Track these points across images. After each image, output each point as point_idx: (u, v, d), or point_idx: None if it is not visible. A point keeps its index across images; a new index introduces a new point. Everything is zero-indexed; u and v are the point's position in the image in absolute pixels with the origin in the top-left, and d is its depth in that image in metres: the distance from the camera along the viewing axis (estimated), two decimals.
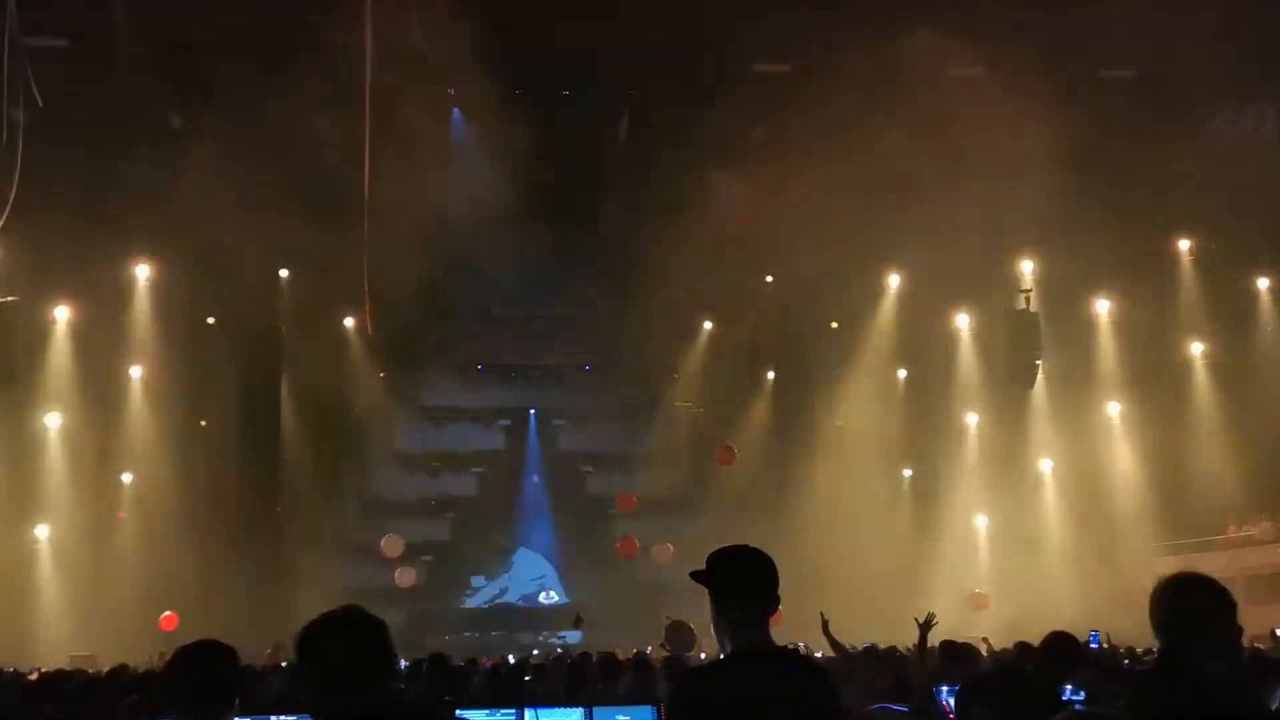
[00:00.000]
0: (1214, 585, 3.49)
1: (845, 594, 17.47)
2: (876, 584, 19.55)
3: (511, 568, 23.53)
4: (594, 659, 8.92)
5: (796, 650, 3.47)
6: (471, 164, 21.56)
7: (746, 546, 3.45)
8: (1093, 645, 12.95)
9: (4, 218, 15.93)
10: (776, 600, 3.37)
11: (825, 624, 8.74)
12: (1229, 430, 20.39)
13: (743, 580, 3.37)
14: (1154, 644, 3.83)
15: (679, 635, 9.76)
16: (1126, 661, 9.95)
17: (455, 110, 21.86)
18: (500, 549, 23.59)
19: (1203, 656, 3.43)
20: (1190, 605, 3.48)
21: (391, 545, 20.41)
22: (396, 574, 20.30)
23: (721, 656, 3.38)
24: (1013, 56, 18.39)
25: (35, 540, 19.35)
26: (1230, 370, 20.92)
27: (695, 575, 3.41)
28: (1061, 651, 4.88)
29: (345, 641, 2.95)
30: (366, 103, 15.93)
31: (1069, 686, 5.71)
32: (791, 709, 3.22)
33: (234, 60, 18.72)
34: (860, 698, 6.37)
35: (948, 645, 7.61)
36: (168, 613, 14.78)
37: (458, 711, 5.39)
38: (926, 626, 7.52)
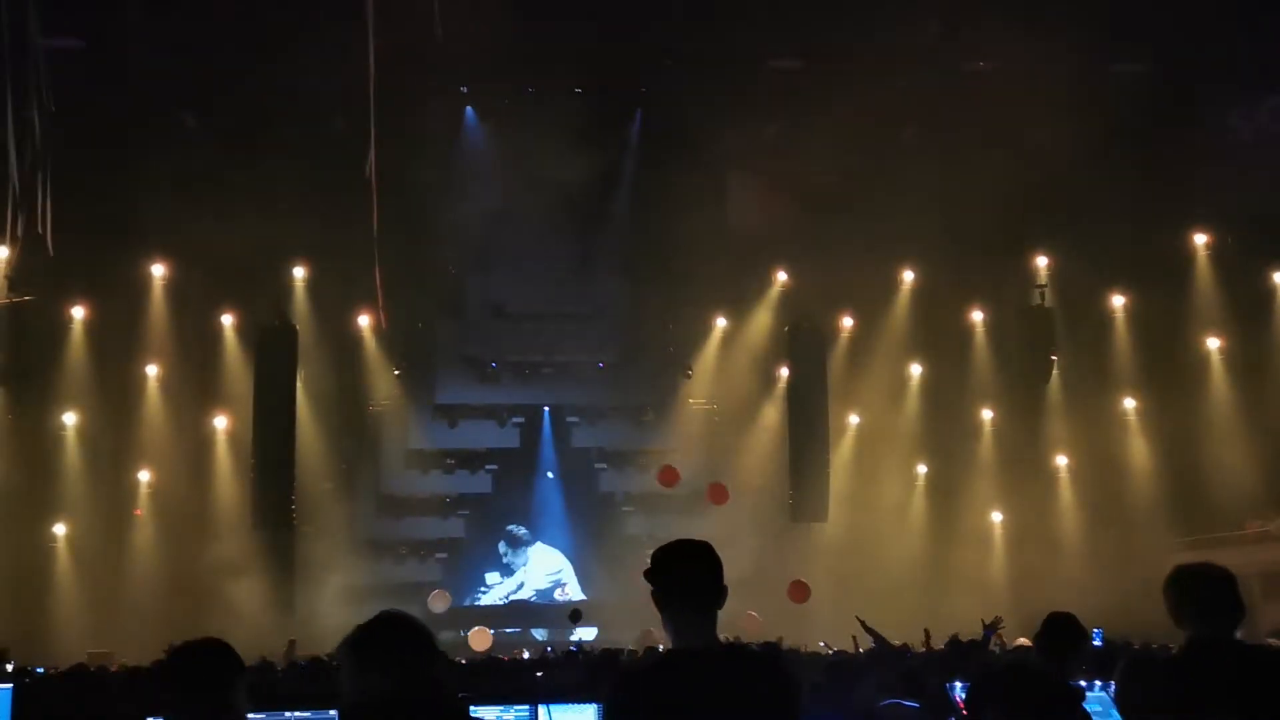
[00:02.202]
0: (1219, 571, 3.90)
1: (864, 590, 17.45)
2: (894, 580, 19.50)
3: (528, 562, 23.53)
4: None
5: (742, 647, 3.42)
6: (484, 162, 21.59)
7: (690, 541, 3.37)
8: (1096, 644, 12.91)
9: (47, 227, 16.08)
10: (722, 594, 3.30)
11: (864, 624, 8.79)
12: (1246, 425, 20.26)
13: (689, 579, 3.29)
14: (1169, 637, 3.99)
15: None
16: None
17: (468, 109, 21.89)
18: (516, 545, 23.57)
19: (1227, 632, 3.68)
20: (1207, 592, 3.72)
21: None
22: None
23: (659, 653, 3.30)
24: (1027, 49, 18.30)
25: (52, 538, 19.47)
26: (1247, 365, 20.80)
27: (647, 575, 3.35)
28: (1062, 633, 4.83)
29: (402, 643, 3.15)
30: (371, 100, 15.96)
31: (1096, 682, 5.70)
32: (730, 705, 3.14)
33: (247, 59, 18.80)
34: (872, 693, 6.35)
35: (958, 641, 7.62)
36: None
37: (472, 708, 5.38)
38: (993, 628, 7.54)
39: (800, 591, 18.35)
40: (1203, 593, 3.85)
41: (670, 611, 3.28)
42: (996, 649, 9.81)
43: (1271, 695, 3.62)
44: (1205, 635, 3.79)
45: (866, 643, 9.15)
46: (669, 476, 20.36)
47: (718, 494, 19.27)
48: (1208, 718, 3.60)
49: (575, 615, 15.41)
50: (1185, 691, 3.65)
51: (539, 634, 22.48)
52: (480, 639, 19.68)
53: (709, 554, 3.32)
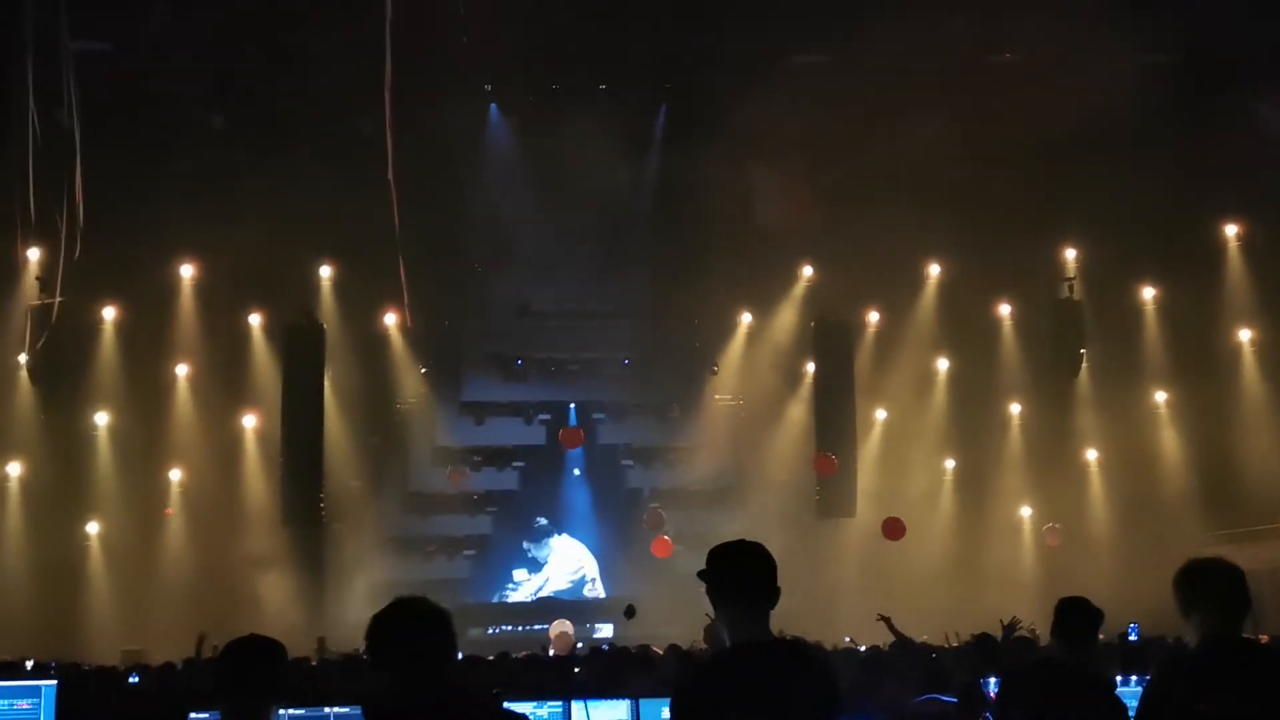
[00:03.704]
0: (1231, 566, 3.90)
1: (893, 586, 17.40)
2: (923, 576, 19.42)
3: (551, 553, 23.54)
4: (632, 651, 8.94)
5: (794, 641, 3.55)
6: (509, 159, 21.64)
7: (744, 541, 3.52)
8: (1131, 638, 12.80)
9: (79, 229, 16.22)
10: (775, 593, 3.44)
11: (889, 622, 8.82)
12: (1279, 417, 20.06)
13: (739, 576, 3.44)
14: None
15: (717, 636, 9.72)
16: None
17: (493, 106, 21.95)
18: (537, 536, 23.60)
19: (1240, 628, 3.70)
20: (1224, 588, 3.74)
21: (561, 637, 20.05)
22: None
23: (721, 649, 3.48)
24: (1054, 39, 18.17)
25: (85, 537, 19.67)
26: None
27: (701, 573, 3.49)
28: (1078, 618, 4.76)
29: (407, 630, 3.10)
30: (387, 98, 16.03)
31: (1131, 676, 5.66)
32: (791, 697, 3.29)
33: (272, 59, 18.92)
34: (898, 690, 6.35)
35: (984, 638, 7.59)
36: None
37: (505, 704, 5.41)
38: (1011, 629, 7.54)
39: (895, 529, 17.91)
40: (1220, 588, 3.84)
41: (723, 607, 3.45)
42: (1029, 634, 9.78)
43: None
44: (1222, 631, 3.78)
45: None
46: (571, 438, 20.29)
47: (894, 530, 18.72)
48: (1229, 713, 3.58)
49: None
50: (1208, 689, 3.63)
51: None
52: (561, 632, 19.59)
53: (761, 553, 3.47)
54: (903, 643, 8.64)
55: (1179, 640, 11.49)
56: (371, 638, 3.22)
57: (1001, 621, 7.63)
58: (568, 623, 17.13)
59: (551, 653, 13.41)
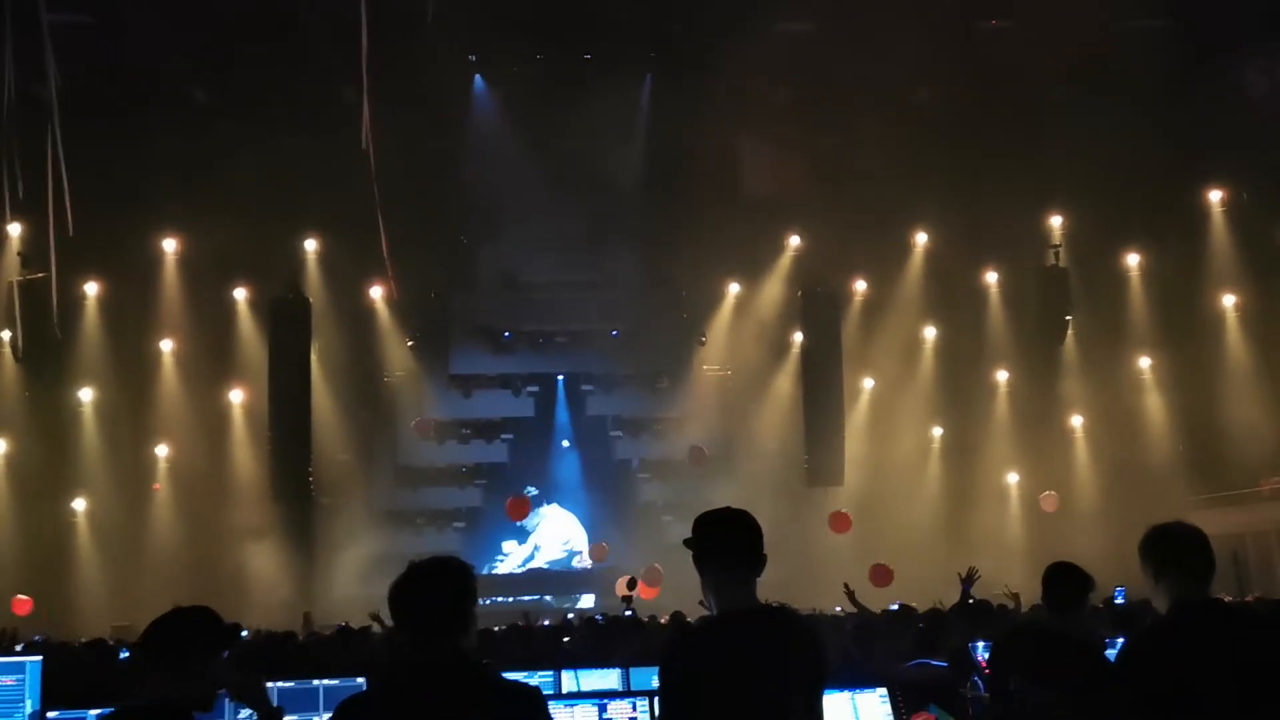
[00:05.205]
0: (1196, 530, 3.92)
1: (881, 552, 17.46)
2: (911, 542, 19.52)
3: (541, 521, 23.57)
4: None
5: (782, 608, 3.55)
6: (494, 130, 21.50)
7: (729, 509, 3.51)
8: (1118, 601, 12.88)
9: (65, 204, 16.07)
10: (761, 560, 3.43)
11: (851, 594, 8.93)
12: (1263, 383, 20.17)
13: (724, 543, 3.43)
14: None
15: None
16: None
17: (477, 77, 21.78)
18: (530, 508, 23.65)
19: (1208, 592, 3.81)
20: (1194, 553, 3.72)
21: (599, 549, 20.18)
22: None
23: (708, 616, 3.46)
24: (1041, 7, 18.09)
25: (73, 514, 19.62)
26: (1263, 322, 20.66)
27: (687, 541, 3.48)
28: (1066, 584, 4.77)
29: (412, 594, 3.04)
30: (363, 65, 15.86)
31: (1119, 639, 5.69)
32: (777, 663, 3.31)
33: (255, 33, 18.72)
34: (888, 655, 6.39)
35: (975, 603, 7.64)
36: (21, 596, 15.59)
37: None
38: (969, 581, 7.59)
39: (841, 522, 18.00)
40: (1186, 552, 3.84)
41: (710, 574, 3.43)
42: (1010, 604, 9.86)
43: (1266, 653, 3.61)
44: (1195, 595, 3.79)
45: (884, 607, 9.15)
46: (517, 509, 20.23)
47: (840, 523, 18.98)
48: (1208, 678, 3.58)
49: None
50: (1182, 654, 3.63)
51: (554, 601, 22.60)
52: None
53: (747, 520, 3.46)
54: (861, 612, 8.74)
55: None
56: (389, 599, 3.17)
57: (960, 575, 7.69)
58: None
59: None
